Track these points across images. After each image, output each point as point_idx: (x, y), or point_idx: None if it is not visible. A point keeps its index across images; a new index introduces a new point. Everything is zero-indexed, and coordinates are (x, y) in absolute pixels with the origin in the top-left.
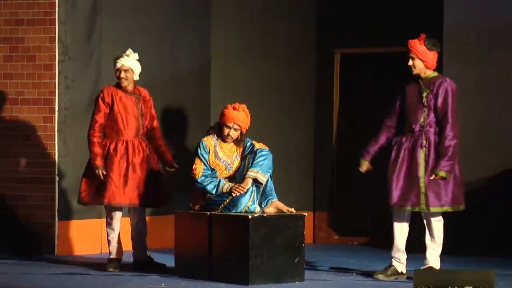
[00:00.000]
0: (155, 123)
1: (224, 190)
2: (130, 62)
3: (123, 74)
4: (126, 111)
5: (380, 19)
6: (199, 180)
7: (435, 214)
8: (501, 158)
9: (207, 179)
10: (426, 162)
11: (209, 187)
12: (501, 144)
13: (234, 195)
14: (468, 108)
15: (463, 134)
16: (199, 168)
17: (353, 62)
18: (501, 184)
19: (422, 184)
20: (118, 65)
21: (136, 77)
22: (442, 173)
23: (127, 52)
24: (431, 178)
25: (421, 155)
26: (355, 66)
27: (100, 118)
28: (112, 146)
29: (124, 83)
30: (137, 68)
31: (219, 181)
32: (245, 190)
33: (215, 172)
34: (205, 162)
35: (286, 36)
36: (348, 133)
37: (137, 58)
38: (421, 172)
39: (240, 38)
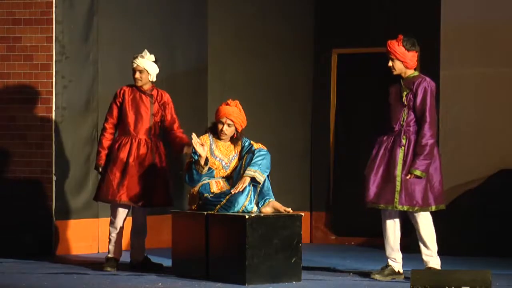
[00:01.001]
0: (175, 126)
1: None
2: (145, 63)
3: (137, 75)
4: (137, 111)
5: (377, 19)
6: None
7: (420, 213)
8: (499, 158)
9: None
10: (404, 161)
11: (187, 179)
12: (499, 143)
13: (232, 192)
14: (466, 108)
15: (462, 134)
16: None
17: (350, 62)
18: (499, 184)
19: (398, 183)
20: (134, 65)
21: (152, 78)
22: (418, 172)
23: (143, 53)
24: (407, 177)
25: (399, 154)
26: (352, 66)
27: (111, 117)
28: (117, 144)
29: (139, 83)
30: (152, 70)
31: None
32: (242, 188)
33: (212, 171)
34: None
35: (283, 36)
36: (345, 133)
37: (153, 59)
38: (398, 171)
39: (237, 38)
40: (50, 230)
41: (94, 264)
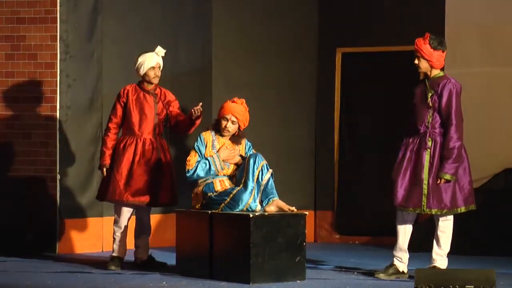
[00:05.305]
0: (181, 117)
1: (218, 165)
2: (161, 60)
3: (158, 72)
4: (141, 110)
5: (381, 18)
6: (190, 170)
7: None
8: (504, 157)
9: (196, 165)
10: (431, 164)
11: (201, 173)
12: (504, 142)
13: (233, 162)
14: (470, 107)
15: (466, 133)
16: (192, 160)
17: (354, 60)
18: (502, 184)
19: (425, 186)
20: (153, 63)
21: None
22: (447, 176)
23: (160, 51)
24: (437, 182)
25: (425, 157)
26: (356, 64)
27: (115, 117)
28: (122, 144)
29: (157, 81)
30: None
31: (209, 162)
32: (238, 154)
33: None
34: (200, 154)
35: (288, 34)
36: (349, 132)
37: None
38: (425, 174)
39: (241, 36)
40: (55, 229)
41: (99, 263)
